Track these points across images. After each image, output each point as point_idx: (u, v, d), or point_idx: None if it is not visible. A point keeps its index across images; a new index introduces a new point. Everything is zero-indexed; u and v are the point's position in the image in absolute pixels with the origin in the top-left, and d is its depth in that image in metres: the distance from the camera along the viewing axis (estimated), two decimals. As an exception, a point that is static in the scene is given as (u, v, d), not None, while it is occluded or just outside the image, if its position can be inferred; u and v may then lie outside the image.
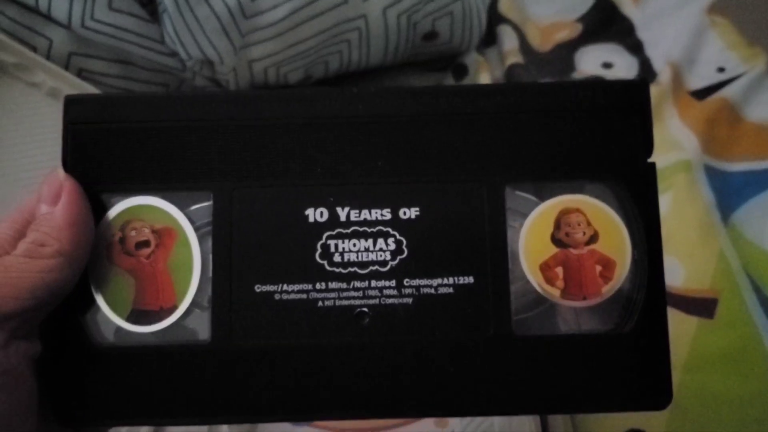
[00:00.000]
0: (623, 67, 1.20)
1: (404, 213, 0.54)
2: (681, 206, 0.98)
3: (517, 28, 1.26)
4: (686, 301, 0.91)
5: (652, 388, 0.53)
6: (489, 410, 0.54)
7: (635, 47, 1.22)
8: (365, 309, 0.53)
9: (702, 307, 0.91)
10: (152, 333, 0.53)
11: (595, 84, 0.55)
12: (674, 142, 1.05)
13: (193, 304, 0.54)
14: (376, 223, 0.54)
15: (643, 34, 1.23)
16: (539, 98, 0.54)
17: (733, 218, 0.98)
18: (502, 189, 0.54)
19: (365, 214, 0.54)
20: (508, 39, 1.24)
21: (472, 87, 0.61)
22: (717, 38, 1.18)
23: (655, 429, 0.85)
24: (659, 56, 1.18)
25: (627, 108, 0.54)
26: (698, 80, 1.14)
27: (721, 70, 1.15)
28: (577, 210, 0.54)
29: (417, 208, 0.54)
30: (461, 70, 1.21)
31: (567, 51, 1.23)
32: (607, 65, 1.20)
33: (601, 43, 1.24)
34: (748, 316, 0.90)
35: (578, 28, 1.26)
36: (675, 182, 1.00)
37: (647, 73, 1.18)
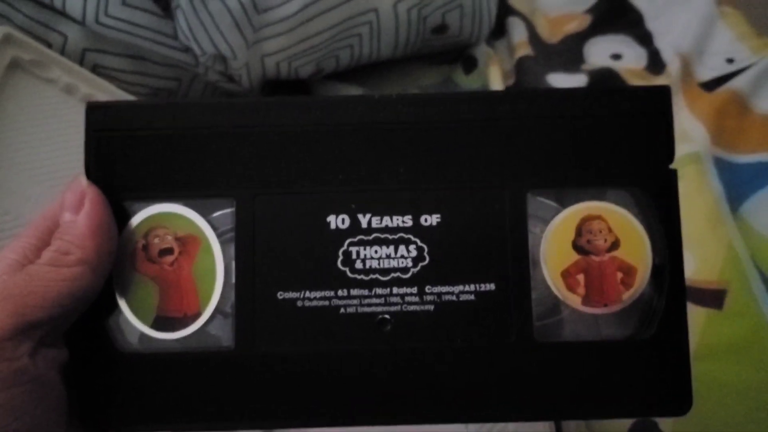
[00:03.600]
0: (632, 58, 1.20)
1: (425, 220, 0.54)
2: (690, 198, 0.98)
3: (526, 20, 1.26)
4: (696, 292, 0.92)
5: (672, 394, 0.53)
6: (510, 417, 0.54)
7: (644, 38, 1.22)
8: (387, 316, 0.54)
9: (711, 298, 0.91)
10: (176, 339, 0.54)
11: (617, 90, 0.55)
12: (683, 133, 1.05)
13: (217, 310, 0.54)
14: (398, 230, 0.54)
15: (652, 24, 1.23)
16: (561, 104, 0.54)
17: (742, 210, 0.98)
18: (524, 195, 0.54)
19: (387, 221, 0.54)
20: (518, 31, 1.24)
21: (494, 93, 0.61)
22: (726, 29, 1.18)
23: (664, 418, 0.85)
24: (668, 47, 1.18)
25: (649, 114, 0.54)
26: (707, 71, 1.14)
27: (731, 61, 1.15)
28: (599, 217, 0.54)
29: (438, 215, 0.54)
30: (471, 63, 1.20)
31: (576, 42, 1.23)
32: (617, 56, 1.20)
33: (611, 35, 1.23)
34: (757, 307, 0.90)
35: (587, 20, 1.26)
36: (684, 174, 1.00)
37: (656, 64, 1.18)
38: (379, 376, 0.53)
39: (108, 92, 0.92)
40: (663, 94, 0.55)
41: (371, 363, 0.53)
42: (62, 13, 0.94)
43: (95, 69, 0.98)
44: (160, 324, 0.54)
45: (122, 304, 0.53)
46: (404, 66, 1.20)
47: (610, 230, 0.54)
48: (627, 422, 0.85)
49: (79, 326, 0.52)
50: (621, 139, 0.54)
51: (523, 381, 0.53)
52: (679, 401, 0.53)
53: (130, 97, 0.97)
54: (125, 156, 0.54)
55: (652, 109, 0.54)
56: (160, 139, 0.54)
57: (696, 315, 0.90)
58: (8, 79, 0.85)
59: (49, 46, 0.94)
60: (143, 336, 0.54)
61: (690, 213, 0.97)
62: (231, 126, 0.54)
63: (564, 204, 0.55)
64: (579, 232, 0.54)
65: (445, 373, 0.53)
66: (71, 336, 0.52)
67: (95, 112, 0.54)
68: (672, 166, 0.54)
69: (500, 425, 0.80)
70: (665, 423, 0.84)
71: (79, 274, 0.49)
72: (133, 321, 0.53)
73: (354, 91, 1.16)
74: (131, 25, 0.95)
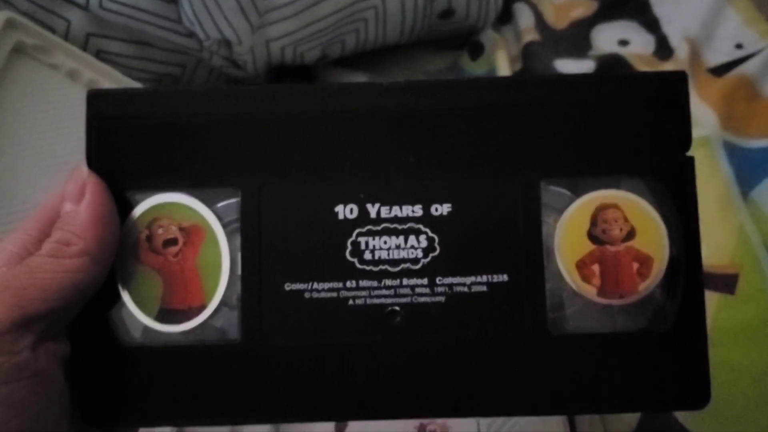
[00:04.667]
0: (640, 44, 1.19)
1: (436, 209, 0.53)
2: (700, 183, 0.96)
3: (533, 6, 1.25)
4: (707, 277, 0.91)
5: (689, 387, 0.53)
6: (522, 411, 0.53)
7: (652, 24, 1.21)
8: (397, 308, 0.53)
9: (723, 282, 0.91)
10: (181, 332, 0.53)
11: (632, 77, 0.55)
12: (693, 118, 1.05)
13: (222, 303, 0.53)
14: (408, 219, 0.53)
15: (659, 10, 1.22)
16: (575, 91, 0.53)
17: (753, 194, 0.97)
18: (537, 184, 0.53)
19: (396, 211, 0.53)
20: (524, 16, 1.23)
21: (505, 79, 0.60)
22: (735, 14, 1.17)
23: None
24: (676, 33, 1.18)
25: (665, 101, 0.53)
26: (716, 57, 1.14)
27: (739, 46, 1.14)
28: (615, 206, 0.53)
29: (449, 205, 0.53)
30: (477, 48, 1.20)
31: (583, 28, 1.23)
32: (624, 42, 1.20)
33: (617, 20, 1.23)
34: (770, 291, 0.89)
35: (594, 6, 1.25)
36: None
37: (664, 49, 1.17)
38: (389, 369, 0.52)
39: (112, 78, 0.93)
40: (679, 80, 0.54)
41: (381, 356, 0.52)
42: (66, -2, 0.94)
43: (99, 54, 0.98)
44: (164, 317, 0.53)
45: (125, 296, 0.53)
46: (410, 51, 1.20)
47: (625, 219, 0.53)
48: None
49: (82, 319, 0.51)
50: (636, 126, 0.53)
51: (535, 374, 0.52)
52: (697, 395, 0.53)
53: (134, 83, 0.97)
54: (128, 145, 0.53)
55: (667, 96, 0.54)
56: (164, 127, 0.53)
57: (708, 300, 0.88)
58: (11, 64, 0.85)
59: (53, 31, 0.94)
60: (147, 329, 0.53)
61: (700, 198, 0.96)
62: (236, 114, 0.53)
63: (578, 193, 0.54)
64: (594, 221, 0.53)
65: (456, 366, 0.52)
66: (73, 329, 0.51)
67: (97, 101, 0.53)
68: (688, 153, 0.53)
69: (513, 419, 0.79)
70: (679, 408, 0.84)
71: (80, 266, 0.48)
72: (137, 314, 0.53)
73: (360, 76, 1.16)
74: (135, 9, 0.95)
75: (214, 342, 0.53)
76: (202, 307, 0.53)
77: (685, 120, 0.53)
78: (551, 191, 0.54)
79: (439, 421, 0.81)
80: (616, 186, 0.53)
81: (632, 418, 0.85)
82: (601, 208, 0.53)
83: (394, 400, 0.52)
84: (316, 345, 0.52)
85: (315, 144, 0.53)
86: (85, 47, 0.97)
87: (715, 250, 0.93)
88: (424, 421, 0.81)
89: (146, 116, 0.53)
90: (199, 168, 0.53)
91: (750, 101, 1.06)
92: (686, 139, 0.53)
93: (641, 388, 0.52)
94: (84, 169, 0.52)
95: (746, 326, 0.88)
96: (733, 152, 1.01)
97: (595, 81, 0.54)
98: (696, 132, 0.97)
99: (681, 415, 0.84)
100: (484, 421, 0.80)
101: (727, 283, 0.91)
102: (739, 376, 0.85)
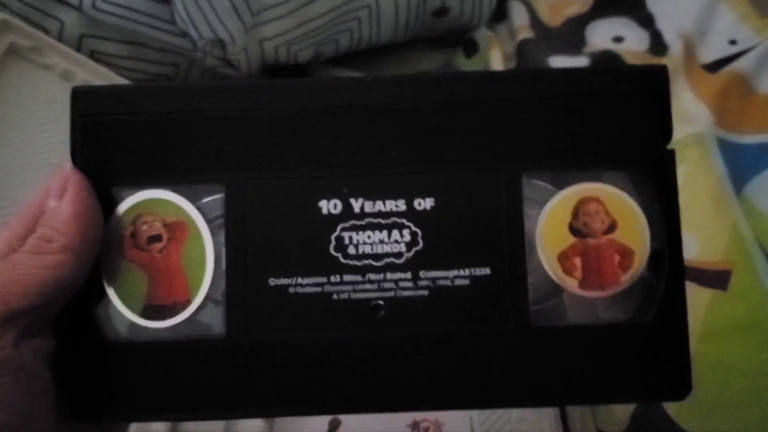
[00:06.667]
0: (634, 40, 1.19)
1: (419, 204, 0.53)
2: (694, 179, 0.98)
3: (527, 3, 1.25)
4: (700, 273, 0.91)
5: (671, 378, 0.53)
6: (507, 403, 0.54)
7: (646, 20, 1.21)
8: (380, 302, 0.53)
9: (715, 279, 0.91)
10: (166, 328, 0.53)
11: (614, 70, 0.54)
12: (686, 115, 1.05)
13: (207, 298, 0.53)
14: (391, 214, 0.53)
15: (653, 6, 1.22)
16: (557, 85, 0.54)
17: (746, 190, 0.97)
18: (519, 178, 0.53)
19: (380, 206, 0.53)
20: (519, 14, 1.23)
21: (488, 73, 0.60)
22: (729, 10, 1.17)
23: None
24: (670, 29, 1.18)
25: (646, 94, 0.53)
26: (710, 53, 1.14)
27: (733, 42, 1.14)
28: (596, 199, 0.53)
29: (432, 199, 0.53)
30: (472, 46, 1.20)
31: (577, 25, 1.23)
32: (618, 39, 1.20)
33: (612, 17, 1.23)
34: (762, 287, 0.89)
35: (588, 3, 1.25)
36: (687, 155, 1.00)
37: (658, 46, 1.17)
38: (373, 362, 0.53)
39: (106, 78, 0.93)
40: (660, 73, 0.54)
41: (365, 350, 0.53)
42: (59, -1, 0.94)
43: (93, 55, 0.98)
44: (149, 312, 0.53)
45: (110, 292, 0.53)
46: (405, 50, 1.20)
47: (606, 212, 0.53)
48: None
49: (67, 315, 0.51)
50: (617, 120, 0.53)
51: (519, 366, 0.52)
52: (679, 386, 0.53)
53: (127, 83, 0.97)
54: (112, 141, 0.53)
55: (648, 89, 0.54)
56: (148, 123, 0.53)
57: (701, 296, 0.90)
58: (5, 65, 0.86)
59: (47, 32, 0.95)
60: (132, 325, 0.53)
61: (693, 194, 0.97)
62: (220, 110, 0.53)
63: (560, 186, 0.54)
64: (575, 214, 0.53)
65: (440, 359, 0.52)
66: (59, 326, 0.51)
67: (82, 97, 0.54)
68: (675, 147, 0.53)
69: (506, 416, 0.79)
70: (671, 404, 0.84)
71: (62, 261, 0.49)
72: (122, 309, 0.53)
73: (353, 75, 1.16)
74: (128, 10, 0.95)
75: (200, 337, 0.53)
76: (187, 303, 0.53)
77: (666, 113, 0.53)
78: (533, 185, 0.54)
79: (432, 417, 0.81)
80: (598, 179, 0.53)
81: (624, 416, 0.85)
82: (583, 201, 0.53)
83: (379, 393, 0.52)
84: (300, 339, 0.53)
85: (298, 139, 0.53)
86: (78, 48, 0.97)
87: (707, 246, 0.94)
88: (417, 417, 0.81)
89: (130, 112, 0.53)
90: (183, 164, 0.53)
91: (743, 97, 1.06)
92: (667, 132, 0.53)
93: (623, 379, 0.52)
94: (66, 165, 0.52)
95: (738, 323, 0.88)
96: (727, 148, 1.01)
97: (576, 75, 0.54)
98: (689, 129, 0.98)
99: (672, 412, 0.84)
100: (477, 418, 0.80)
101: (719, 279, 0.91)
102: (730, 372, 0.86)
